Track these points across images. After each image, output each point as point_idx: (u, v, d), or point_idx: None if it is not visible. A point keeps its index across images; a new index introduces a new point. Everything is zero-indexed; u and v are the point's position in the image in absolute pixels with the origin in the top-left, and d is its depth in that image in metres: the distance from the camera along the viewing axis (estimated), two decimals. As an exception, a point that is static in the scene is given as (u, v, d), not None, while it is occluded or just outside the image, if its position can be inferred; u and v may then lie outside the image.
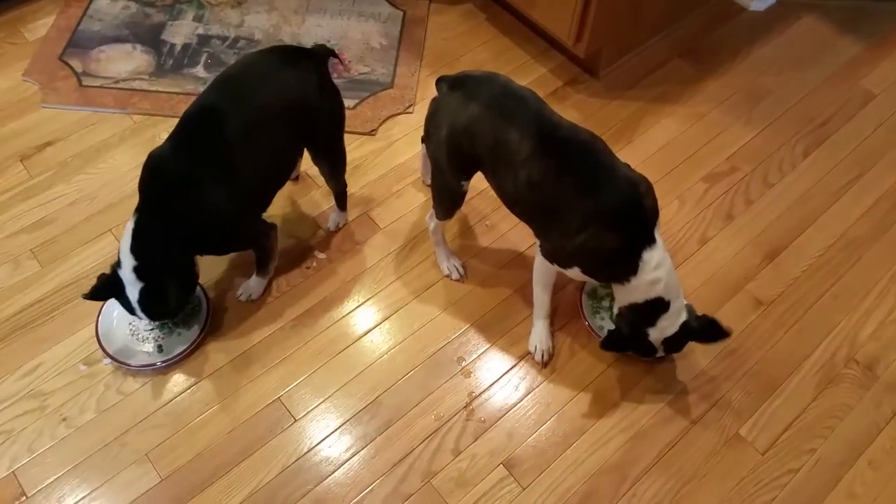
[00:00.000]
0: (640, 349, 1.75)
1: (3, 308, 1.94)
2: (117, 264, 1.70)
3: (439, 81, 1.78)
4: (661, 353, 1.75)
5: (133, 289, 1.69)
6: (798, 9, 2.80)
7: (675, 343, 1.72)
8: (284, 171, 1.90)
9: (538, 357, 1.89)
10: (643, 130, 2.41)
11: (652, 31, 2.63)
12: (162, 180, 1.68)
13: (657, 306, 1.65)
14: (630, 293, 1.66)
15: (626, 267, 1.62)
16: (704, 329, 1.70)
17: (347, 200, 2.12)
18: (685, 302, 1.71)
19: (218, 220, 1.72)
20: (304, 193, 2.20)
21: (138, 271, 1.67)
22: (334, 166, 2.00)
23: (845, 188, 2.30)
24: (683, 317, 1.69)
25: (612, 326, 1.91)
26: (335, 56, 1.91)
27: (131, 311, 1.73)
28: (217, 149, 1.67)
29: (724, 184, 2.29)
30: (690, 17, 2.71)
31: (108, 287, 1.71)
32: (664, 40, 2.66)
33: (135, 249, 1.67)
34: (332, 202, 2.12)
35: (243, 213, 1.80)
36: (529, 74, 2.53)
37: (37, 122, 2.33)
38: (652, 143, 2.38)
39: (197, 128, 1.70)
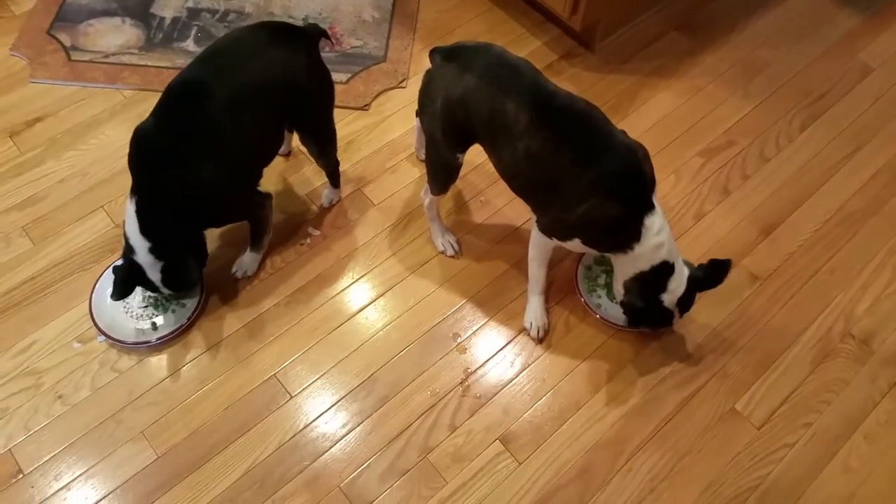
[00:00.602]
0: (658, 318, 1.74)
1: (-6, 286, 1.93)
2: (129, 250, 1.69)
3: (433, 53, 1.76)
4: (678, 317, 1.75)
5: (154, 270, 1.70)
6: (796, -20, 2.77)
7: (687, 300, 1.72)
8: (270, 147, 1.88)
9: (533, 333, 1.89)
10: (639, 104, 2.39)
11: (648, 4, 2.59)
12: (151, 158, 1.66)
13: (664, 270, 1.65)
14: (635, 262, 1.65)
15: (629, 234, 1.61)
16: (709, 274, 1.71)
17: (341, 177, 2.10)
18: (682, 259, 1.71)
19: (212, 193, 1.70)
20: (296, 170, 2.18)
21: (155, 252, 1.68)
22: (323, 147, 1.98)
23: (842, 163, 2.28)
24: (686, 272, 1.69)
25: (608, 303, 1.91)
26: (326, 36, 1.88)
27: (155, 289, 1.75)
28: (202, 123, 1.65)
29: (720, 158, 2.28)
30: (687, -11, 2.68)
31: (130, 276, 1.71)
32: (660, 13, 2.63)
33: (145, 231, 1.66)
34: (325, 179, 2.10)
35: (235, 185, 1.78)
36: (524, 48, 2.50)
37: (25, 98, 2.29)
38: (648, 118, 2.36)
39: (181, 102, 1.67)
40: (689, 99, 2.42)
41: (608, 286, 1.94)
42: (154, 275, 1.71)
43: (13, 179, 2.12)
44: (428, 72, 1.76)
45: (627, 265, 1.68)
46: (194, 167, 1.64)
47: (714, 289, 1.74)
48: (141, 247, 1.67)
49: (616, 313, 1.87)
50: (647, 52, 2.53)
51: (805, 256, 2.08)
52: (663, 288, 1.67)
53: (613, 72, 2.47)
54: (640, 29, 2.58)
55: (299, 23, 2.49)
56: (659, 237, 1.61)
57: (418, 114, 1.86)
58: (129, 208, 1.67)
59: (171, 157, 1.64)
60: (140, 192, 1.67)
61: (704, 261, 1.72)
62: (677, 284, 1.68)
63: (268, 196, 1.88)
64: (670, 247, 1.65)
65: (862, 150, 2.31)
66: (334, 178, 2.08)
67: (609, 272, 1.95)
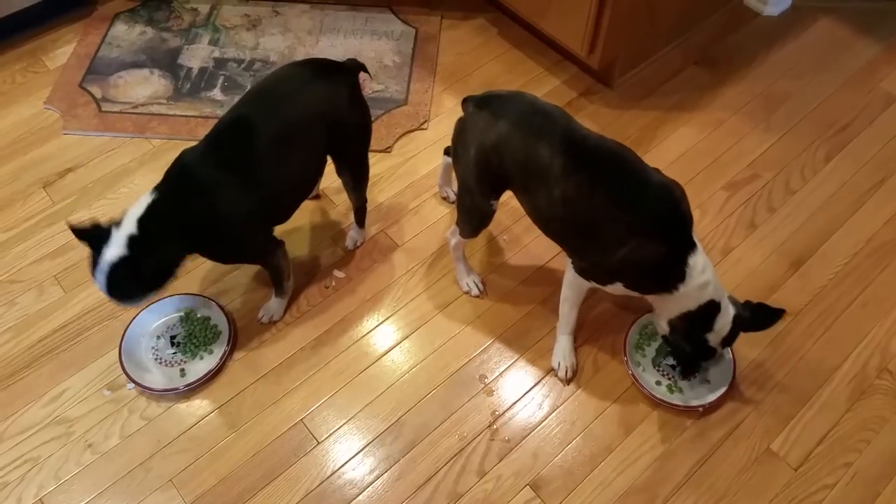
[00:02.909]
0: (704, 358, 1.72)
1: (28, 334, 1.96)
2: (116, 223, 1.65)
3: (465, 101, 1.77)
4: (720, 353, 1.72)
5: (113, 251, 1.61)
6: (813, 12, 2.77)
7: (730, 339, 1.70)
8: (309, 183, 1.93)
9: (562, 374, 1.87)
10: (660, 140, 2.39)
11: (666, 40, 2.61)
12: (187, 175, 1.69)
13: (711, 309, 1.63)
14: (680, 302, 1.63)
15: (673, 275, 1.59)
16: (757, 317, 1.68)
17: (366, 217, 2.12)
18: (726, 293, 1.68)
19: (227, 226, 1.72)
20: (323, 212, 2.20)
21: (131, 240, 1.62)
22: (358, 179, 2.01)
23: (869, 193, 2.26)
24: (732, 311, 1.66)
25: (650, 366, 1.88)
26: (365, 70, 1.93)
27: (92, 270, 1.66)
28: (245, 158, 1.69)
29: (745, 192, 2.26)
30: (704, 23, 2.69)
31: (95, 234, 1.64)
32: (679, 48, 2.64)
33: (141, 220, 1.62)
34: (351, 220, 2.12)
35: (255, 223, 1.79)
36: (543, 86, 2.52)
37: (58, 149, 2.35)
38: (670, 153, 2.35)
39: (229, 135, 1.72)
40: (711, 133, 2.41)
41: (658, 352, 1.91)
42: (109, 255, 1.61)
43: (47, 229, 2.16)
44: (460, 119, 1.78)
45: (672, 305, 1.65)
46: (225, 197, 1.67)
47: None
48: (126, 228, 1.62)
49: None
50: (667, 88, 2.54)
51: (836, 290, 2.05)
52: (709, 328, 1.65)
53: (633, 107, 2.48)
54: (659, 64, 2.60)
55: (322, 69, 2.54)
56: (703, 276, 1.59)
57: (451, 158, 1.86)
58: (144, 197, 1.66)
59: (208, 182, 1.67)
60: (162, 192, 1.66)
61: (735, 295, 1.70)
62: (724, 323, 1.65)
63: (279, 243, 1.89)
64: (716, 285, 1.62)
65: (889, 179, 2.29)
66: (361, 215, 2.10)
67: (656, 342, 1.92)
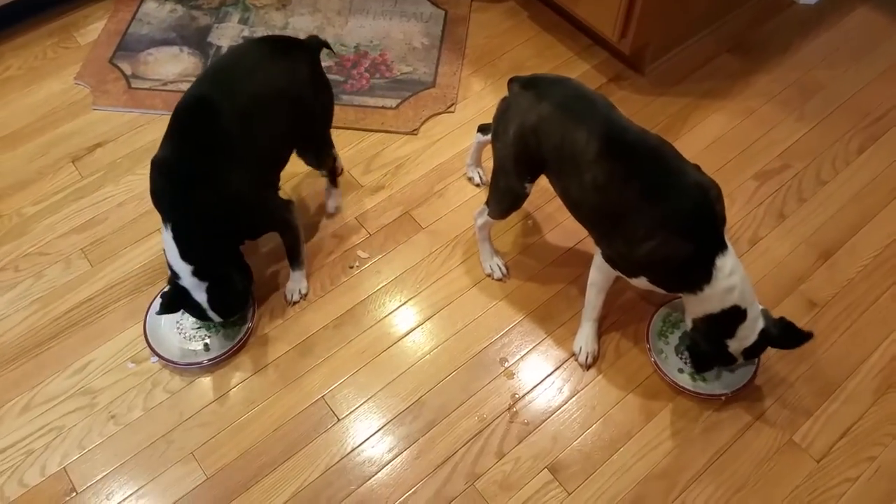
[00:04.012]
0: (719, 362, 1.70)
1: (55, 306, 1.98)
2: (174, 276, 1.71)
3: (512, 81, 1.76)
4: (740, 361, 1.70)
5: (199, 291, 1.70)
6: (850, 0, 2.71)
7: (754, 351, 1.67)
8: (282, 156, 1.89)
9: (582, 359, 1.86)
10: (691, 127, 2.36)
11: (699, 26, 2.56)
12: (178, 183, 1.67)
13: (734, 315, 1.60)
14: (704, 303, 1.61)
15: (699, 275, 1.56)
16: (785, 335, 1.65)
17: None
18: (760, 306, 1.65)
19: (242, 203, 1.72)
20: (346, 193, 2.20)
21: (198, 273, 1.68)
22: (320, 157, 2.02)
23: (903, 186, 2.21)
24: (761, 324, 1.63)
25: (673, 354, 1.86)
26: (328, 47, 1.92)
27: (202, 315, 1.74)
28: (217, 137, 1.67)
29: (775, 181, 2.23)
30: (738, 11, 2.64)
31: (175, 299, 1.72)
32: (711, 35, 2.60)
33: (186, 256, 1.67)
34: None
35: (260, 192, 1.80)
36: (573, 71, 2.49)
37: (88, 124, 2.38)
38: (700, 140, 2.32)
39: (192, 120, 1.70)
40: (743, 121, 2.37)
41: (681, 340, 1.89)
42: (200, 296, 1.70)
43: (74, 203, 2.19)
44: (504, 99, 1.77)
45: (697, 305, 1.63)
46: (221, 181, 1.67)
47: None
48: (184, 271, 1.68)
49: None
50: (699, 75, 2.50)
51: (865, 282, 2.01)
52: (731, 334, 1.62)
53: (664, 94, 2.44)
54: (691, 51, 2.56)
55: (350, 51, 2.54)
56: (730, 280, 1.56)
57: (482, 132, 1.85)
58: (166, 237, 1.67)
59: (197, 176, 1.66)
60: (173, 218, 1.67)
61: (760, 288, 1.68)
62: (748, 332, 1.62)
63: (289, 201, 1.90)
64: (743, 291, 1.58)
65: (924, 172, 2.24)
66: (334, 175, 2.11)
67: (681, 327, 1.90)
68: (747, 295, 1.60)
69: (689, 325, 1.71)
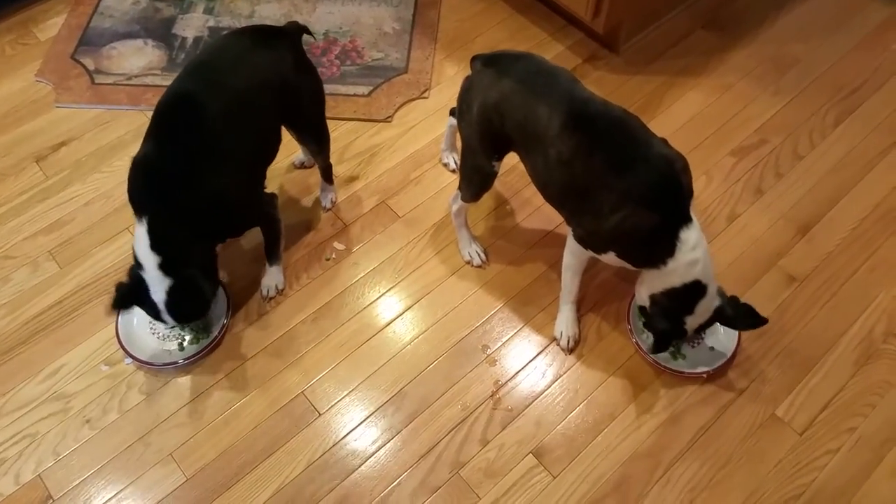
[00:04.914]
0: (676, 336, 1.68)
1: (24, 310, 1.94)
2: (137, 267, 1.63)
3: (474, 59, 1.75)
4: (690, 335, 1.69)
5: (159, 288, 1.61)
6: (824, -27, 2.70)
7: (705, 326, 1.67)
8: (270, 149, 1.84)
9: (563, 343, 1.84)
10: (667, 105, 2.34)
11: (673, 3, 2.54)
12: (160, 184, 1.61)
13: (696, 290, 1.58)
14: (666, 277, 1.59)
15: (663, 248, 1.55)
16: (740, 316, 1.64)
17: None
18: (717, 284, 1.64)
19: (225, 203, 1.68)
20: (319, 184, 2.16)
21: (164, 268, 1.60)
22: (322, 143, 1.98)
23: (878, 157, 2.21)
24: (717, 301, 1.62)
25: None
26: (308, 33, 1.88)
27: (156, 316, 1.65)
28: (201, 136, 1.62)
29: (752, 157, 2.22)
30: (711, -14, 2.62)
31: (132, 292, 1.63)
32: (686, 11, 2.58)
33: (156, 246, 1.59)
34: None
35: (244, 190, 1.76)
36: (547, 52, 2.46)
37: (51, 123, 2.32)
38: (677, 118, 2.31)
39: (175, 119, 1.64)
40: (719, 98, 2.36)
41: None
42: (158, 295, 1.62)
43: (40, 204, 2.13)
44: (467, 78, 1.75)
45: (658, 279, 1.61)
46: (204, 181, 1.62)
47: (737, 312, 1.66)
48: (150, 263, 1.60)
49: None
50: (674, 52, 2.48)
51: (843, 255, 2.01)
52: (690, 310, 1.61)
53: (639, 73, 2.42)
54: (666, 29, 2.54)
55: (320, 37, 2.49)
56: (694, 253, 1.55)
57: (454, 115, 1.82)
58: (139, 229, 1.60)
59: (180, 177, 1.60)
60: (150, 214, 1.60)
61: (739, 264, 1.67)
62: (705, 310, 1.61)
63: (273, 195, 1.86)
64: (705, 266, 1.57)
65: (899, 143, 2.24)
66: (328, 172, 2.08)
67: None
68: (709, 271, 1.59)
69: (645, 301, 1.68)
